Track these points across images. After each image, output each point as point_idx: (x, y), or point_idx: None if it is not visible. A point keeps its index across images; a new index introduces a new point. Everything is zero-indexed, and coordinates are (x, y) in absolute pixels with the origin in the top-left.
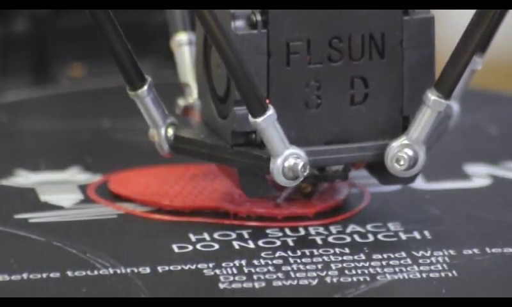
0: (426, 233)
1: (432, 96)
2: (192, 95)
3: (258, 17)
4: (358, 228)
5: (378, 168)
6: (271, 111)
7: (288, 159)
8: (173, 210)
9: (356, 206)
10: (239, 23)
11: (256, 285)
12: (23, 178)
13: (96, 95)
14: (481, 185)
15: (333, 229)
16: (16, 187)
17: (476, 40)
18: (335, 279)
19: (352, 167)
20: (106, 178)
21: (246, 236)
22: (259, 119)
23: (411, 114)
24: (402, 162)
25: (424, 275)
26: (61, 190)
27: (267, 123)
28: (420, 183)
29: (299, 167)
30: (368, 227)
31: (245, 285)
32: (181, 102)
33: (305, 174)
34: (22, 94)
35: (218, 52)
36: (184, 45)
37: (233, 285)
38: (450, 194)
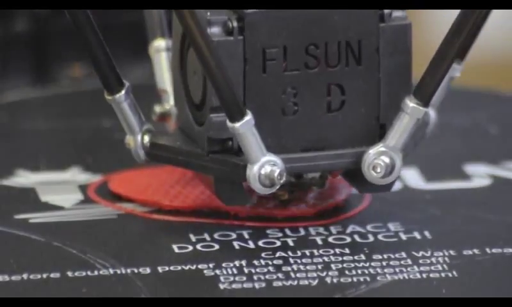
0: (426, 233)
1: (411, 103)
2: (169, 101)
3: (235, 24)
4: (358, 228)
5: (355, 175)
6: (249, 116)
7: (265, 166)
8: (173, 210)
9: (356, 207)
10: (214, 30)
11: (257, 285)
12: (23, 178)
13: (96, 95)
14: (481, 185)
15: (333, 229)
16: (16, 187)
17: (456, 48)
18: (335, 280)
19: (330, 175)
20: (106, 178)
21: (246, 236)
22: (237, 124)
23: (387, 121)
24: (378, 170)
25: (424, 275)
26: (61, 191)
27: (245, 128)
28: (420, 184)
29: (276, 174)
30: (369, 227)
31: (245, 285)
32: (158, 108)
33: (282, 181)
34: (22, 94)
35: (197, 55)
36: (161, 51)
37: (234, 285)
38: (451, 194)
